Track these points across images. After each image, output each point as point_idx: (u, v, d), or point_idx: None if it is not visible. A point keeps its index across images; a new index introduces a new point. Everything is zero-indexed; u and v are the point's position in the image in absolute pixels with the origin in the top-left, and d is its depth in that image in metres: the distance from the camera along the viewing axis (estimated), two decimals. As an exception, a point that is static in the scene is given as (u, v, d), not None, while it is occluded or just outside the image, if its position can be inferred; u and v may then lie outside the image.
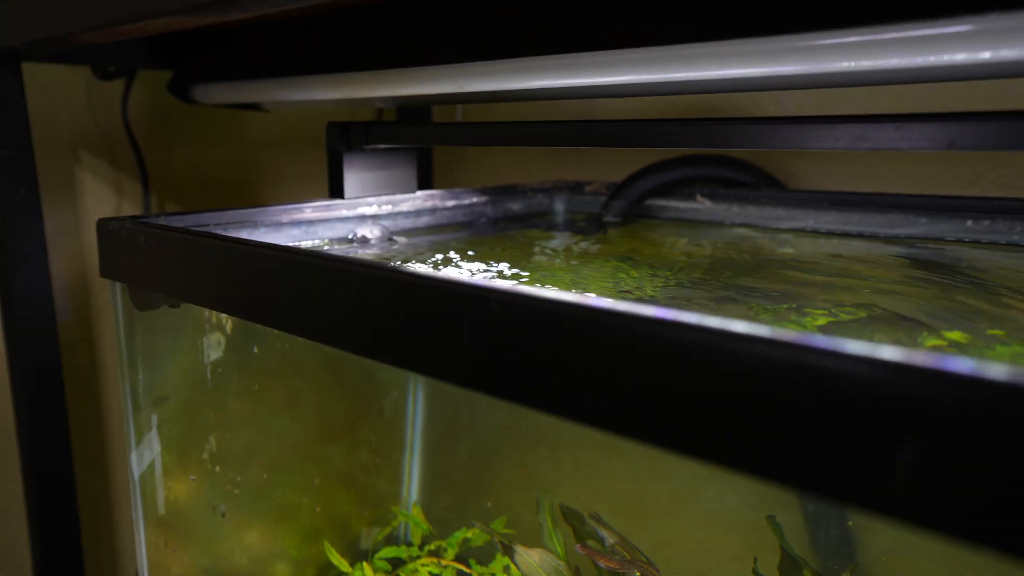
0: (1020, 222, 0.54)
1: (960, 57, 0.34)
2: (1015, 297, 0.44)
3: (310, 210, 0.68)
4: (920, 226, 0.59)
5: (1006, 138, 0.32)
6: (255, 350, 0.54)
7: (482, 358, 0.30)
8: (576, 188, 0.88)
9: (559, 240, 0.71)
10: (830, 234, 0.65)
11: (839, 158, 0.74)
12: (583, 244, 0.69)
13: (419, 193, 0.77)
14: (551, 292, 0.28)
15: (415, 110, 1.01)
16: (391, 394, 0.57)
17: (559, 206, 0.89)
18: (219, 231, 0.62)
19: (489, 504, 0.54)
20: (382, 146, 0.73)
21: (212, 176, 0.98)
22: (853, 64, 0.37)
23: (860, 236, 0.63)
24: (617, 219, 0.79)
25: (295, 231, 0.67)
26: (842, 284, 0.49)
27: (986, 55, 0.33)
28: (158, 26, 0.47)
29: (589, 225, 0.80)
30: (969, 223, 0.56)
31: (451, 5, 0.57)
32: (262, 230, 0.64)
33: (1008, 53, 0.32)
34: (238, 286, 0.43)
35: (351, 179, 0.73)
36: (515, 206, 0.86)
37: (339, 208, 0.70)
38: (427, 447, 0.57)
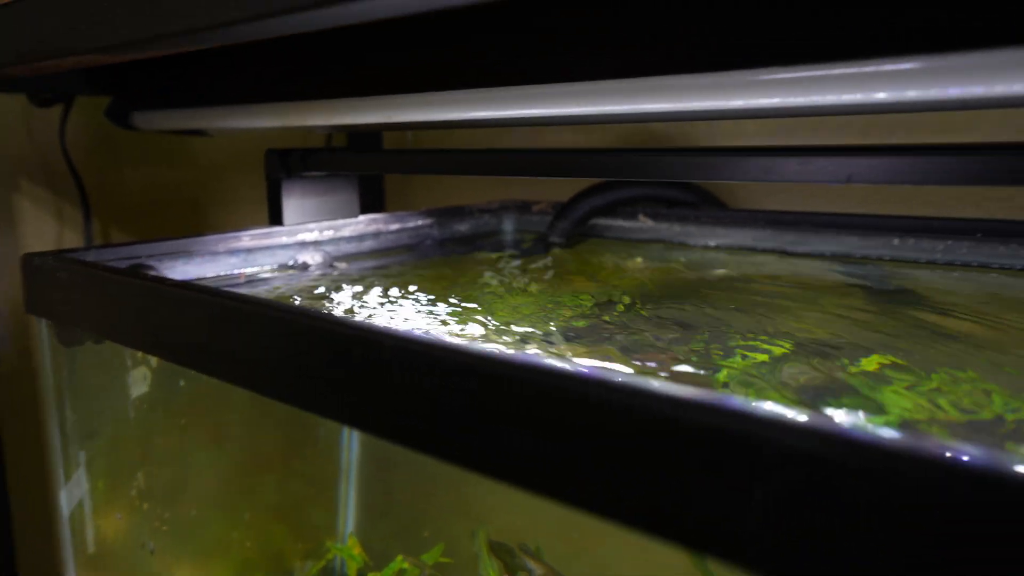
0: (942, 241, 0.55)
1: (881, 96, 0.35)
2: (924, 322, 0.45)
3: (248, 238, 0.67)
4: (851, 244, 0.60)
5: (899, 173, 0.33)
6: (182, 384, 0.53)
7: (378, 402, 0.30)
8: (523, 208, 0.88)
9: (500, 262, 0.71)
10: (767, 252, 0.65)
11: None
12: (521, 266, 0.69)
13: (362, 217, 0.77)
14: (442, 338, 0.28)
15: (364, 135, 1.01)
16: (325, 423, 0.56)
17: (507, 226, 0.89)
18: (153, 263, 0.62)
19: (426, 534, 0.54)
20: (322, 172, 0.73)
21: (159, 200, 0.97)
22: (786, 100, 0.38)
23: (796, 254, 0.64)
24: (562, 239, 0.79)
25: (233, 260, 0.66)
26: (772, 305, 0.50)
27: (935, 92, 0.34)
28: (75, 62, 0.46)
29: (535, 246, 0.80)
30: (896, 241, 0.57)
31: (380, 40, 0.57)
32: (197, 260, 0.64)
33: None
34: (155, 325, 0.42)
35: (291, 206, 0.72)
36: (462, 227, 0.86)
37: (279, 235, 0.69)
38: (363, 476, 0.56)
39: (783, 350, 0.41)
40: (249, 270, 0.67)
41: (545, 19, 0.48)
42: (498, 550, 0.51)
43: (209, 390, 0.54)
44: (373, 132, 1.02)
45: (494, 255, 0.75)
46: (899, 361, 0.36)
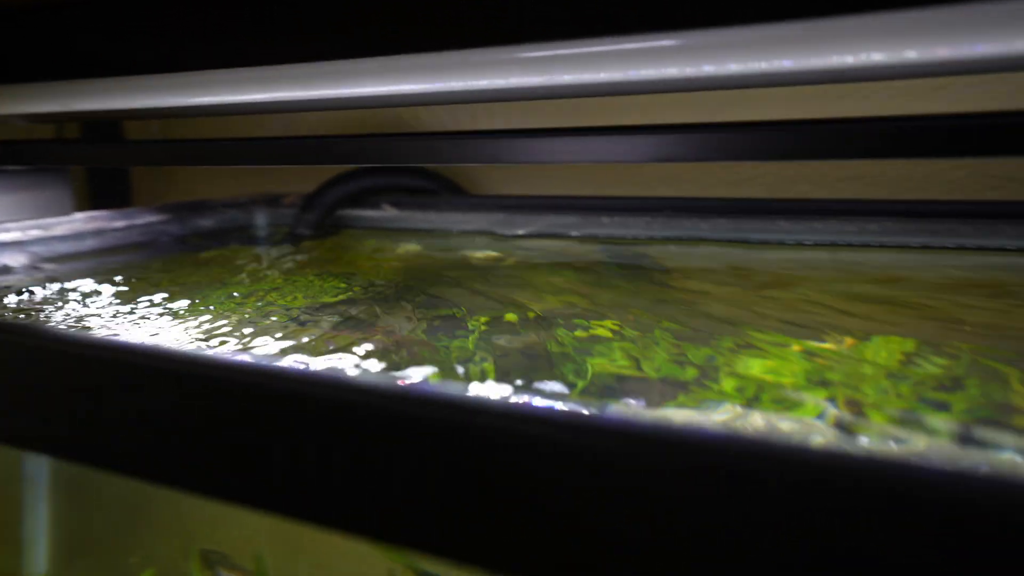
0: (642, 216, 0.58)
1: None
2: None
3: (-76, 241, 0.59)
4: (571, 224, 0.62)
5: (597, 152, 0.34)
6: None
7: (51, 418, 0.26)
8: (274, 201, 0.84)
9: (237, 257, 0.67)
10: (504, 237, 0.66)
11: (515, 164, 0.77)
12: (256, 260, 0.65)
13: (79, 215, 0.70)
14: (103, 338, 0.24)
15: (101, 124, 0.92)
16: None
17: (259, 220, 0.85)
18: None
19: (133, 560, 0.49)
20: (20, 167, 0.66)
21: None
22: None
23: (530, 236, 0.65)
24: (309, 231, 0.76)
25: (-97, 266, 0.58)
26: (506, 283, 0.50)
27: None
28: None
29: (283, 239, 0.76)
30: (605, 219, 0.59)
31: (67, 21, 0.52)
32: None
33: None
34: None
35: (-19, 203, 0.64)
36: (206, 222, 0.80)
37: (-34, 236, 0.61)
38: (57, 507, 0.50)
39: (508, 319, 0.40)
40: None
41: None
42: (215, 560, 0.48)
43: None
44: (111, 120, 0.93)
45: (233, 250, 0.71)
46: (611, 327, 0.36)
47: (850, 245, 0.51)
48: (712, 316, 0.41)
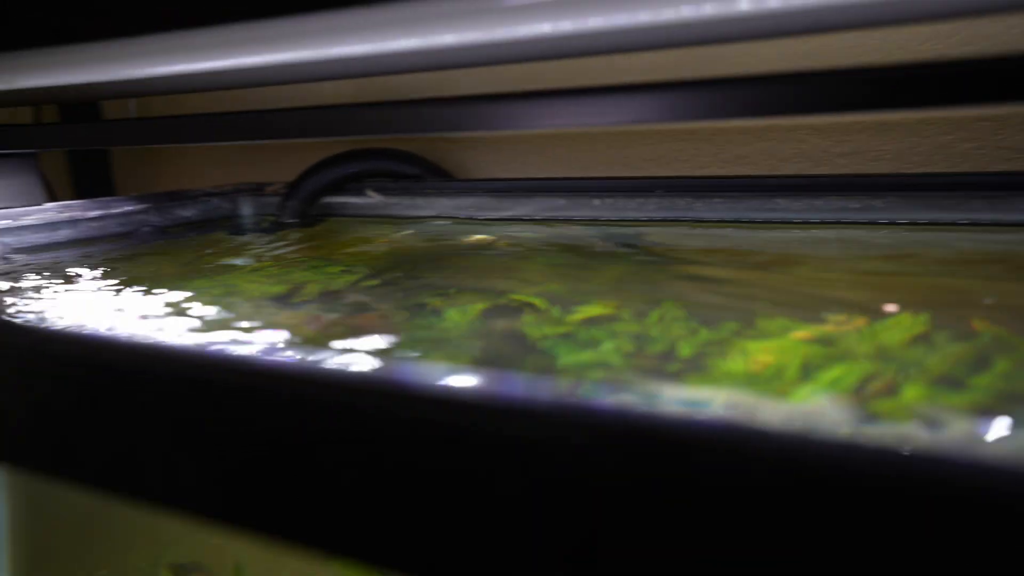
0: (634, 199, 0.55)
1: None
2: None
3: None
4: (559, 208, 0.59)
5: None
6: None
7: None
8: (258, 189, 0.81)
9: (215, 247, 0.65)
10: (491, 221, 0.63)
11: (503, 146, 0.74)
12: (234, 249, 0.62)
13: (50, 204, 0.67)
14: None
15: (80, 106, 0.89)
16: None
17: (244, 210, 0.82)
18: None
19: (104, 572, 0.47)
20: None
21: None
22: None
23: (519, 220, 0.62)
24: (294, 219, 0.73)
25: None
26: (499, 268, 0.49)
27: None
28: None
29: (268, 228, 0.73)
30: (596, 202, 0.56)
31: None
32: None
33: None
34: None
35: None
36: (188, 212, 0.78)
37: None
38: (16, 522, 0.47)
39: (486, 305, 0.38)
40: None
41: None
42: (178, 571, 0.45)
43: None
44: (88, 102, 0.90)
45: (222, 239, 0.68)
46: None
47: (855, 223, 0.48)
48: (711, 300, 0.39)
